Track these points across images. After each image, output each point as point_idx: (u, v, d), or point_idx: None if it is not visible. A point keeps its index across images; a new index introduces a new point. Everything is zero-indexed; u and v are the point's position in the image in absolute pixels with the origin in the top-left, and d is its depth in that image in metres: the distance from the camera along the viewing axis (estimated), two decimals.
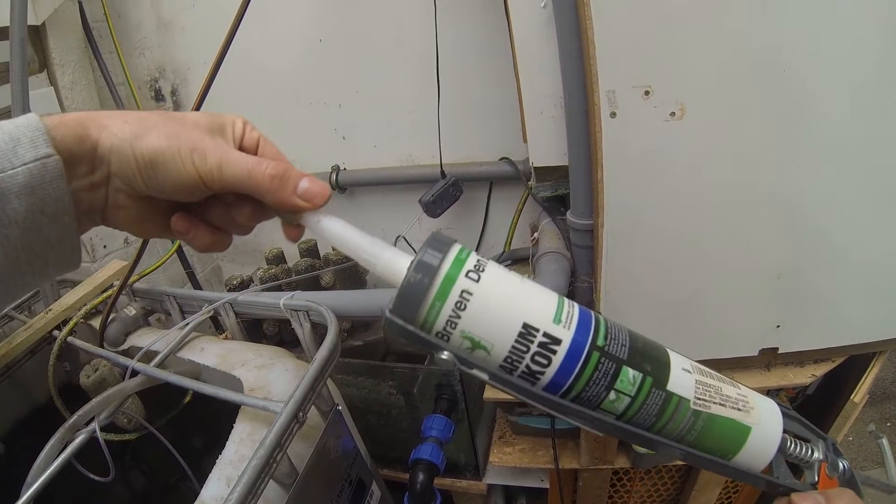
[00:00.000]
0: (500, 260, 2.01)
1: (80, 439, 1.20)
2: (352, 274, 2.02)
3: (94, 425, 1.24)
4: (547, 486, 1.87)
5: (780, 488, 0.59)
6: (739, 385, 0.60)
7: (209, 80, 1.42)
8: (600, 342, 0.52)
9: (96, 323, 1.61)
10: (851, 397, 1.57)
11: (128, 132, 0.52)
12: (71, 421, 1.22)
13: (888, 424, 2.80)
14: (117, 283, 1.62)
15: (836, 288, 1.31)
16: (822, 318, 1.36)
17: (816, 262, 1.27)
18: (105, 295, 1.65)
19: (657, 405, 0.53)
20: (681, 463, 1.71)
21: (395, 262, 0.54)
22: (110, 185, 0.55)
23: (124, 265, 1.74)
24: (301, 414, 1.05)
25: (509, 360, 0.52)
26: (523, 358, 0.51)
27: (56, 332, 1.56)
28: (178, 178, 0.54)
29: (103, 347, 1.58)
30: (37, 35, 1.94)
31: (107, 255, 2.15)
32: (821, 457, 0.61)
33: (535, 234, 1.61)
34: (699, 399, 0.55)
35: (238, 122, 0.62)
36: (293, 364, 1.35)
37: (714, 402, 0.55)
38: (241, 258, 2.75)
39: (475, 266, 0.52)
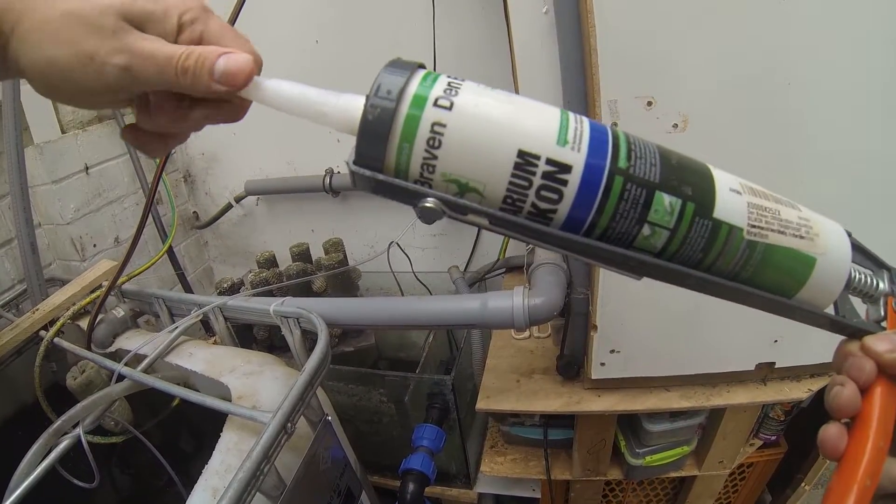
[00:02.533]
0: (493, 268, 1.99)
1: (63, 444, 1.18)
2: (344, 279, 2.00)
3: (79, 430, 1.22)
4: (538, 496, 1.86)
5: (847, 329, 0.50)
6: (799, 206, 0.49)
7: None
8: (622, 163, 0.41)
9: (84, 323, 1.59)
10: None
11: (32, 40, 0.46)
12: (55, 425, 1.20)
13: None
14: (106, 284, 1.60)
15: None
16: (819, 334, 1.34)
17: None
18: (93, 295, 1.63)
19: (703, 238, 0.43)
20: (674, 475, 1.70)
21: (350, 105, 0.44)
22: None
23: (113, 265, 1.72)
24: (289, 425, 1.03)
25: (510, 201, 0.42)
26: (526, 195, 0.41)
27: (43, 333, 1.54)
28: (89, 89, 0.48)
29: (91, 349, 1.56)
30: None
31: (96, 254, 2.13)
32: (887, 289, 0.51)
33: (531, 244, 1.59)
34: (754, 227, 0.45)
35: (173, 17, 0.50)
36: (282, 372, 1.33)
37: (772, 230, 0.45)
38: (233, 259, 2.74)
39: (446, 90, 0.42)
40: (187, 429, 1.76)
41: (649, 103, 1.05)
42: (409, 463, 1.56)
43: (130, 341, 1.57)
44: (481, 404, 1.51)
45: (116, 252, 2.20)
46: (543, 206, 0.41)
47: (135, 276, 1.84)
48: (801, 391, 1.40)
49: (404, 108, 0.40)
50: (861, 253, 0.53)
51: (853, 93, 1.04)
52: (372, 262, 2.10)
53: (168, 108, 0.53)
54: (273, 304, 1.41)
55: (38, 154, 1.88)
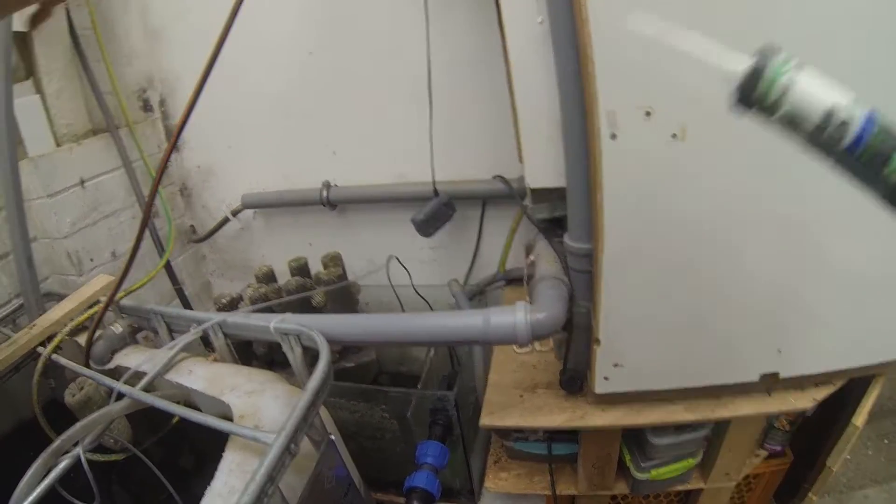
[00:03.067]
0: (493, 281, 1.98)
1: (63, 465, 1.17)
2: (344, 294, 1.99)
3: (79, 450, 1.21)
4: None
5: None
6: None
7: (196, 92, 1.39)
8: (879, 125, 0.67)
9: (82, 339, 1.57)
10: (853, 420, 1.55)
11: None
12: (55, 445, 1.19)
13: (885, 441, 2.78)
14: (104, 299, 1.58)
15: (836, 312, 1.29)
16: (822, 343, 1.34)
17: (817, 286, 1.25)
18: (91, 311, 1.62)
19: None
20: (680, 488, 1.69)
21: (730, 56, 0.72)
22: None
23: (111, 280, 1.71)
24: (293, 446, 1.02)
25: (818, 128, 0.68)
26: (825, 131, 0.68)
27: (41, 349, 1.53)
28: None
29: (89, 365, 1.55)
30: (23, 42, 1.91)
31: (93, 268, 2.12)
32: None
33: (532, 257, 1.58)
34: None
35: None
36: (284, 390, 1.31)
37: None
38: (231, 273, 2.73)
39: (789, 68, 0.69)
40: (188, 446, 1.75)
41: (648, 113, 1.04)
42: (413, 481, 1.54)
43: (129, 358, 1.56)
44: (485, 420, 1.50)
45: (113, 266, 2.19)
46: (837, 134, 0.68)
47: (133, 291, 1.82)
48: (806, 401, 1.39)
49: (778, 60, 0.70)
50: None
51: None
52: (371, 275, 2.09)
53: None
54: (273, 321, 1.39)
55: (33, 168, 1.87)
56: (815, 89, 0.68)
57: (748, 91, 0.70)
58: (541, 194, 1.45)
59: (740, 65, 0.70)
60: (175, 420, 1.58)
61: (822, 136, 0.68)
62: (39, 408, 1.51)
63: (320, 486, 1.20)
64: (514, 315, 1.28)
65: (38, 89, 1.98)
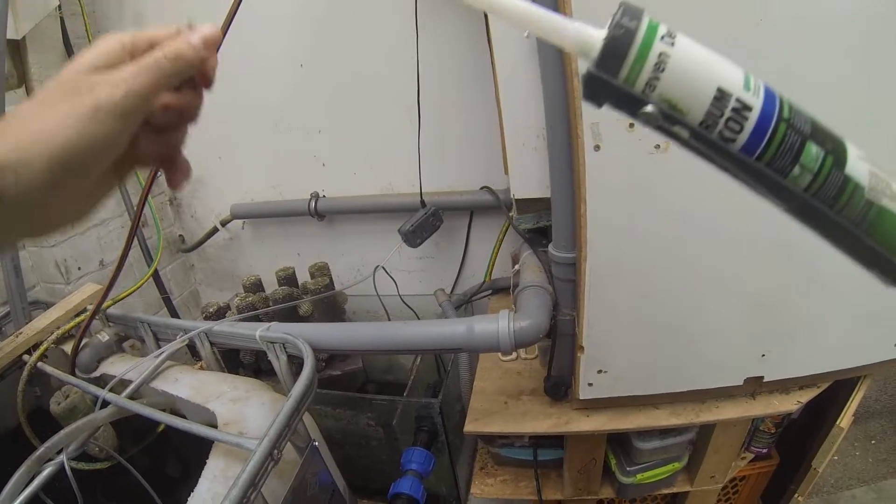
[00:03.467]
0: (480, 290, 1.99)
1: (47, 472, 1.17)
2: (330, 303, 2.00)
3: (63, 457, 1.21)
4: None
5: None
6: None
7: None
8: (786, 115, 0.51)
9: (68, 348, 1.57)
10: (837, 422, 1.57)
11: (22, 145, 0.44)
12: (38, 452, 1.19)
13: (873, 442, 2.80)
14: (91, 308, 1.59)
15: (819, 315, 1.30)
16: (806, 346, 1.35)
17: (800, 290, 1.26)
18: (78, 319, 1.62)
19: (836, 186, 0.51)
20: (666, 492, 1.70)
21: (585, 28, 0.51)
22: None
23: (98, 289, 1.71)
24: (276, 452, 1.02)
25: (704, 125, 0.50)
26: (717, 123, 0.50)
27: (26, 357, 1.53)
28: (103, 145, 0.47)
29: (75, 374, 1.55)
30: (16, 49, 1.91)
31: (81, 277, 2.12)
32: None
33: (517, 266, 1.59)
34: (873, 188, 0.52)
35: (111, 46, 0.51)
36: (269, 397, 1.32)
37: (885, 195, 0.53)
38: (219, 283, 2.73)
39: (667, 32, 0.50)
40: (173, 454, 1.75)
41: (631, 125, 1.05)
42: (397, 487, 1.55)
43: (115, 366, 1.56)
44: (469, 427, 1.50)
45: (101, 275, 2.19)
46: (727, 133, 0.50)
47: (120, 299, 1.83)
48: (790, 403, 1.40)
49: (641, 34, 0.48)
50: None
51: (831, 111, 1.05)
52: (358, 285, 2.10)
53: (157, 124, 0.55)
54: (259, 330, 1.40)
55: None
56: (698, 62, 0.51)
57: (610, 68, 0.50)
58: (526, 204, 1.46)
59: (594, 33, 0.51)
60: (160, 428, 1.59)
61: (712, 132, 0.51)
62: (24, 416, 1.51)
63: (303, 491, 1.21)
64: (497, 323, 1.29)
65: (31, 97, 1.99)
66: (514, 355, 1.77)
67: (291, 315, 1.89)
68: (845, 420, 1.55)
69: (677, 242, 1.19)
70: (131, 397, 1.35)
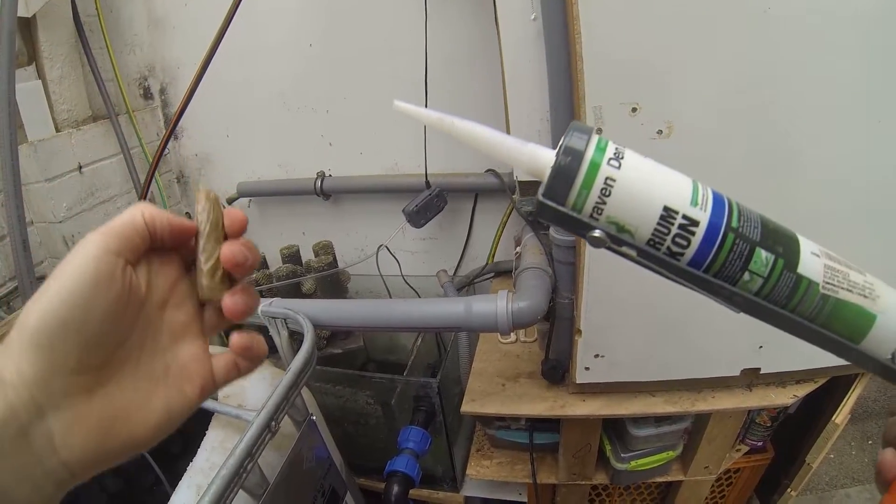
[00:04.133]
0: (482, 273, 2.00)
1: None
2: (333, 282, 2.01)
3: None
4: (525, 500, 1.86)
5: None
6: (865, 273, 0.58)
7: (196, 79, 1.42)
8: (734, 224, 0.53)
9: None
10: (833, 418, 1.57)
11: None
12: None
13: (870, 442, 2.80)
14: None
15: None
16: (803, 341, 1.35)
17: None
18: None
19: (788, 287, 0.53)
20: (660, 480, 1.71)
21: (538, 155, 0.53)
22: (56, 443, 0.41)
23: None
24: (273, 423, 1.04)
25: (651, 242, 0.53)
26: (665, 239, 0.52)
27: None
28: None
29: None
30: (27, 27, 1.92)
31: None
32: None
33: (518, 248, 1.60)
34: (827, 283, 0.54)
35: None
36: (269, 371, 1.34)
37: (842, 288, 0.54)
38: None
39: (615, 154, 0.52)
40: (175, 431, 1.76)
41: (634, 109, 1.06)
42: (393, 465, 1.57)
43: None
44: (466, 407, 1.52)
45: None
46: (675, 249, 0.53)
47: None
48: (786, 397, 1.41)
49: (587, 161, 0.51)
50: None
51: (836, 103, 1.05)
52: (362, 265, 2.11)
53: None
54: (261, 305, 1.41)
55: (32, 152, 1.88)
56: (646, 181, 0.53)
57: (558, 196, 0.52)
58: (529, 187, 1.47)
59: (544, 157, 0.53)
60: None
61: (660, 249, 0.54)
62: None
63: (299, 465, 1.22)
64: (495, 303, 1.30)
65: (40, 75, 2.00)
66: (513, 338, 1.79)
67: (294, 292, 1.91)
68: (841, 417, 1.56)
69: None
70: None
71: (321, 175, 2.24)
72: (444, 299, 1.49)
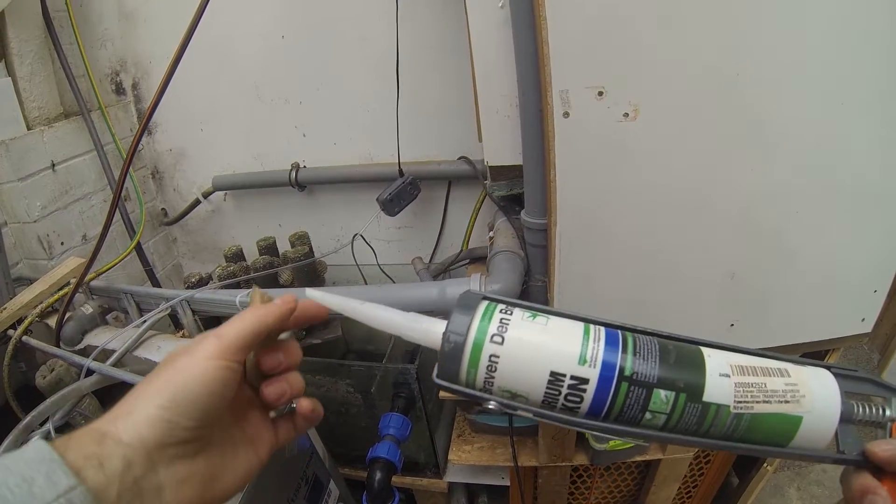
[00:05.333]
0: (457, 259, 2.02)
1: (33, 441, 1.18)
2: (310, 272, 2.02)
3: (49, 426, 1.23)
4: (507, 483, 1.88)
5: (847, 462, 0.58)
6: (789, 372, 0.58)
7: (169, 74, 1.41)
8: (628, 371, 0.56)
9: (52, 322, 1.59)
10: None
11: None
12: (24, 422, 1.21)
13: None
14: (74, 281, 1.60)
15: (788, 287, 1.32)
16: (775, 317, 1.37)
17: (769, 261, 1.28)
18: (61, 293, 1.63)
19: (695, 416, 0.55)
20: (639, 459, 1.73)
21: (430, 332, 0.60)
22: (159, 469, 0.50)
23: (81, 262, 1.72)
24: None
25: (546, 402, 0.57)
26: (557, 399, 0.56)
27: (11, 332, 1.54)
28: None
29: (59, 347, 1.56)
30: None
31: (64, 251, 2.12)
32: (893, 414, 0.59)
33: (491, 233, 1.61)
34: (739, 402, 0.55)
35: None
36: None
37: (757, 402, 0.56)
38: (202, 256, 2.74)
39: (499, 328, 0.57)
40: None
41: (600, 93, 1.07)
42: (375, 451, 1.58)
43: (99, 338, 1.57)
44: (446, 393, 1.52)
45: (84, 250, 2.19)
46: (570, 404, 0.56)
47: (103, 272, 1.83)
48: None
49: (469, 346, 0.56)
50: (875, 384, 0.62)
51: (802, 84, 1.07)
52: (338, 254, 2.11)
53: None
54: (239, 296, 1.42)
55: (4, 151, 1.87)
56: (530, 351, 0.57)
57: (450, 374, 0.58)
58: (499, 172, 1.48)
59: (436, 332, 0.59)
60: None
61: (555, 408, 0.57)
62: (11, 392, 1.52)
63: (281, 454, 1.23)
64: (469, 286, 1.31)
65: (10, 72, 1.98)
66: None
67: (272, 283, 1.91)
68: None
69: (646, 210, 1.21)
70: (115, 366, 1.36)
71: (296, 166, 2.25)
72: (419, 284, 1.50)
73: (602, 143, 1.13)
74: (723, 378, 0.56)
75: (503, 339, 0.56)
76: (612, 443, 1.59)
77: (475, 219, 2.03)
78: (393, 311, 0.62)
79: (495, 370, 0.56)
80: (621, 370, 0.55)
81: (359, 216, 2.22)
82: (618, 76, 1.07)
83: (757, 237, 1.24)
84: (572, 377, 0.55)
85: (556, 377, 0.56)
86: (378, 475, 1.54)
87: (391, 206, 1.93)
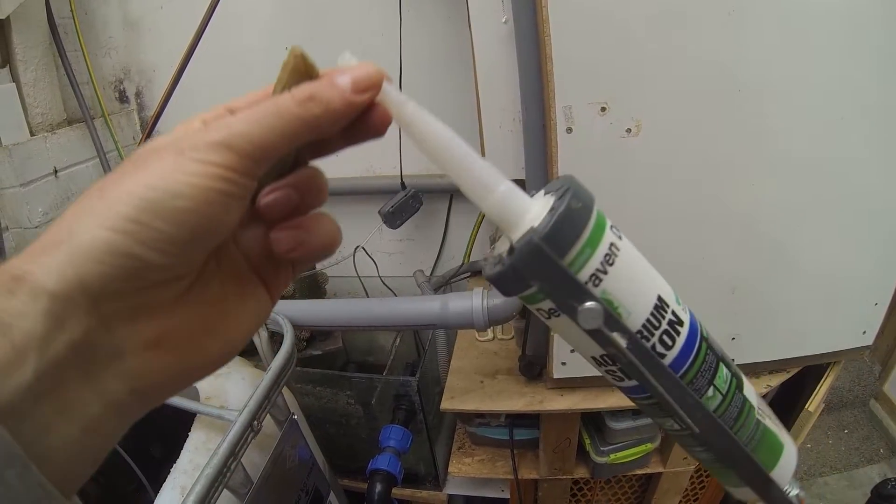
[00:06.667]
0: (458, 272, 2.02)
1: None
2: (311, 284, 2.02)
3: None
4: (507, 496, 1.87)
5: None
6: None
7: (173, 82, 1.42)
8: (705, 333, 0.47)
9: None
10: (806, 407, 1.59)
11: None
12: None
13: (845, 431, 2.85)
14: None
15: (790, 301, 1.33)
16: (776, 331, 1.38)
17: (771, 275, 1.29)
18: None
19: (737, 407, 0.48)
20: (640, 472, 1.73)
21: (515, 195, 0.40)
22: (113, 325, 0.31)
23: None
24: (256, 422, 1.05)
25: (642, 332, 0.43)
26: (653, 334, 0.43)
27: None
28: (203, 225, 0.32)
29: None
30: (0, 29, 1.91)
31: None
32: (800, 493, 0.55)
33: (493, 247, 1.61)
34: (760, 409, 0.50)
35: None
36: (250, 372, 1.35)
37: (766, 415, 0.51)
38: None
39: (614, 224, 0.43)
40: (156, 434, 1.76)
41: (603, 109, 1.08)
42: (375, 463, 1.58)
43: None
44: (446, 404, 1.53)
45: None
46: (660, 349, 0.44)
47: None
48: (760, 387, 1.43)
49: (594, 219, 0.41)
50: None
51: (802, 100, 1.08)
52: (339, 266, 2.12)
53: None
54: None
55: (7, 156, 1.87)
56: (641, 265, 0.44)
57: (564, 240, 0.39)
58: None
59: (524, 201, 0.40)
60: None
61: (647, 344, 0.43)
62: None
63: (283, 464, 1.23)
64: (471, 300, 1.32)
65: (14, 78, 1.98)
66: (490, 335, 1.80)
67: None
68: (814, 404, 1.58)
69: (649, 225, 1.22)
70: None
71: None
72: (422, 297, 1.51)
73: (605, 158, 1.14)
74: (746, 380, 0.51)
75: (621, 237, 0.42)
76: (613, 456, 1.59)
77: (477, 232, 2.04)
78: (468, 148, 0.40)
79: (612, 263, 0.40)
80: (701, 328, 0.46)
81: (360, 228, 2.22)
82: (621, 92, 1.08)
83: (758, 251, 1.25)
84: (673, 312, 0.44)
85: (661, 304, 0.43)
86: (378, 487, 1.54)
87: (393, 218, 1.94)
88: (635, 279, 0.42)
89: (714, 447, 0.49)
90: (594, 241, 0.40)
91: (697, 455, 0.52)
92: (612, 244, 0.41)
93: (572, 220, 0.39)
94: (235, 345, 0.38)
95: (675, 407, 0.45)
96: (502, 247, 0.43)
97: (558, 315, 0.42)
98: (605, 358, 0.45)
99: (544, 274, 0.39)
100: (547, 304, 0.42)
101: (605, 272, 0.40)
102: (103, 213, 0.30)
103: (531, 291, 0.41)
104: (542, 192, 0.43)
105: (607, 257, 0.40)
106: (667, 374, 0.44)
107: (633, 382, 0.45)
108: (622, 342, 0.42)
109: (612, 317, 0.41)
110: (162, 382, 0.34)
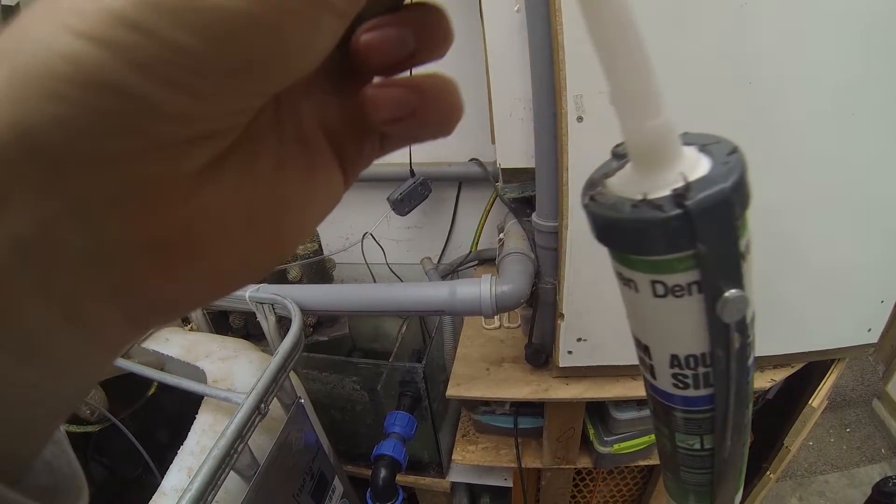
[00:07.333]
0: (466, 260, 2.02)
1: None
2: (319, 269, 2.02)
3: None
4: (510, 485, 1.89)
5: None
6: None
7: None
8: None
9: None
10: (810, 402, 1.59)
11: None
12: None
13: (847, 430, 2.86)
14: None
15: (797, 295, 1.33)
16: (781, 326, 1.38)
17: (778, 269, 1.29)
18: None
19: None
20: (643, 463, 1.73)
21: (674, 129, 0.31)
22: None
23: None
24: (263, 405, 1.05)
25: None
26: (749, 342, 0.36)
27: None
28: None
29: None
30: (11, 16, 1.89)
31: None
32: None
33: (501, 235, 1.62)
34: None
35: None
36: (257, 356, 1.35)
37: None
38: None
39: None
40: (163, 419, 1.77)
41: None
42: (380, 449, 1.58)
43: None
44: (451, 391, 1.53)
45: None
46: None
47: None
48: (764, 381, 1.44)
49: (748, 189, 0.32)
50: None
51: (814, 95, 1.08)
52: (347, 253, 2.12)
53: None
54: (249, 291, 1.43)
55: None
56: None
57: (738, 202, 0.31)
58: (511, 174, 1.49)
59: (677, 147, 0.31)
60: (151, 391, 1.60)
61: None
62: None
63: (289, 448, 1.24)
64: (479, 287, 1.32)
65: None
66: (496, 323, 1.81)
67: (280, 279, 1.92)
68: (817, 400, 1.58)
69: None
70: (122, 357, 1.37)
71: None
72: (429, 283, 1.51)
73: None
74: None
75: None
76: (616, 446, 1.59)
77: (485, 220, 2.04)
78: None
79: (750, 251, 0.33)
80: None
81: (368, 215, 2.22)
82: None
83: (766, 245, 1.24)
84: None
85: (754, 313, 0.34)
86: (383, 473, 1.55)
87: (401, 206, 1.94)
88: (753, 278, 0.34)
89: (727, 472, 0.44)
90: (747, 219, 0.32)
91: (690, 477, 0.47)
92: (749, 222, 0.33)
93: (743, 186, 0.31)
94: (285, 248, 0.27)
95: (730, 423, 0.39)
96: (631, 188, 0.32)
97: (680, 295, 0.32)
98: (695, 359, 0.36)
99: (715, 236, 0.31)
100: (675, 279, 0.32)
101: (749, 251, 0.33)
102: (78, 5, 0.17)
103: (682, 255, 0.31)
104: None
105: (749, 243, 0.33)
106: (749, 387, 0.38)
107: (703, 392, 0.38)
108: (737, 344, 0.34)
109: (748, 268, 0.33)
110: (171, 302, 0.23)
